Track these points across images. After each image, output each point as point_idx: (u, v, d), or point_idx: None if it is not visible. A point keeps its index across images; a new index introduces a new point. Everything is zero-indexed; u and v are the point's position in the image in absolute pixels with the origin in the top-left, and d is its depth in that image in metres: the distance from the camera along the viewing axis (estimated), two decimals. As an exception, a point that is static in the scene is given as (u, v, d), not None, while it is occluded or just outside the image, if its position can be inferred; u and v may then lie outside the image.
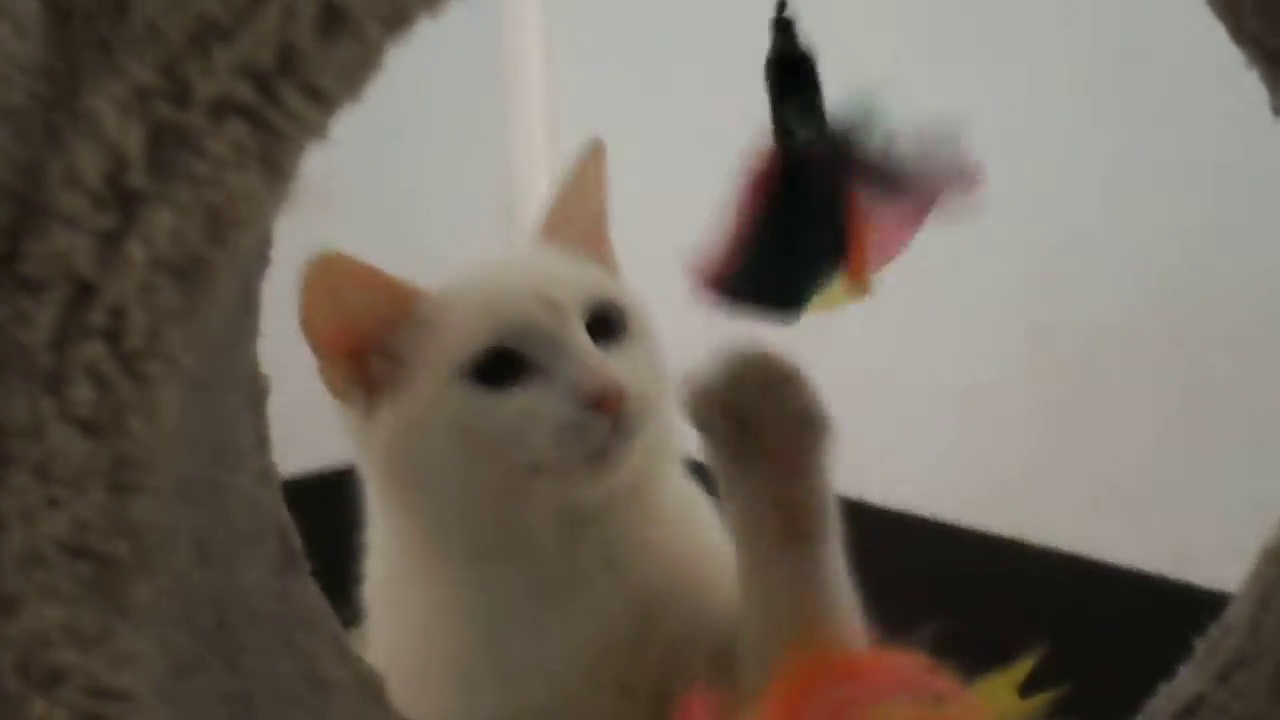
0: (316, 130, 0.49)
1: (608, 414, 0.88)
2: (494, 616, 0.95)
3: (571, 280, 0.94)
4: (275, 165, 0.48)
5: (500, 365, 0.90)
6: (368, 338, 0.92)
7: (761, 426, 0.85)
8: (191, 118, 0.47)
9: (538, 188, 2.02)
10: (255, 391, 0.73)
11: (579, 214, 1.02)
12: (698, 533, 1.01)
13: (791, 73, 0.83)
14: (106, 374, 0.47)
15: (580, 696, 0.89)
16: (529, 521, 0.93)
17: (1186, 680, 0.82)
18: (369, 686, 0.80)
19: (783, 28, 0.81)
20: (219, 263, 0.48)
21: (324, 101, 0.48)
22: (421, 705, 0.92)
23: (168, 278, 0.47)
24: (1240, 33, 0.75)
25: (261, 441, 0.75)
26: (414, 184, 1.91)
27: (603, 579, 0.96)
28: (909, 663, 0.80)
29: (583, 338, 0.91)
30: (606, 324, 0.93)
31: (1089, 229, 1.56)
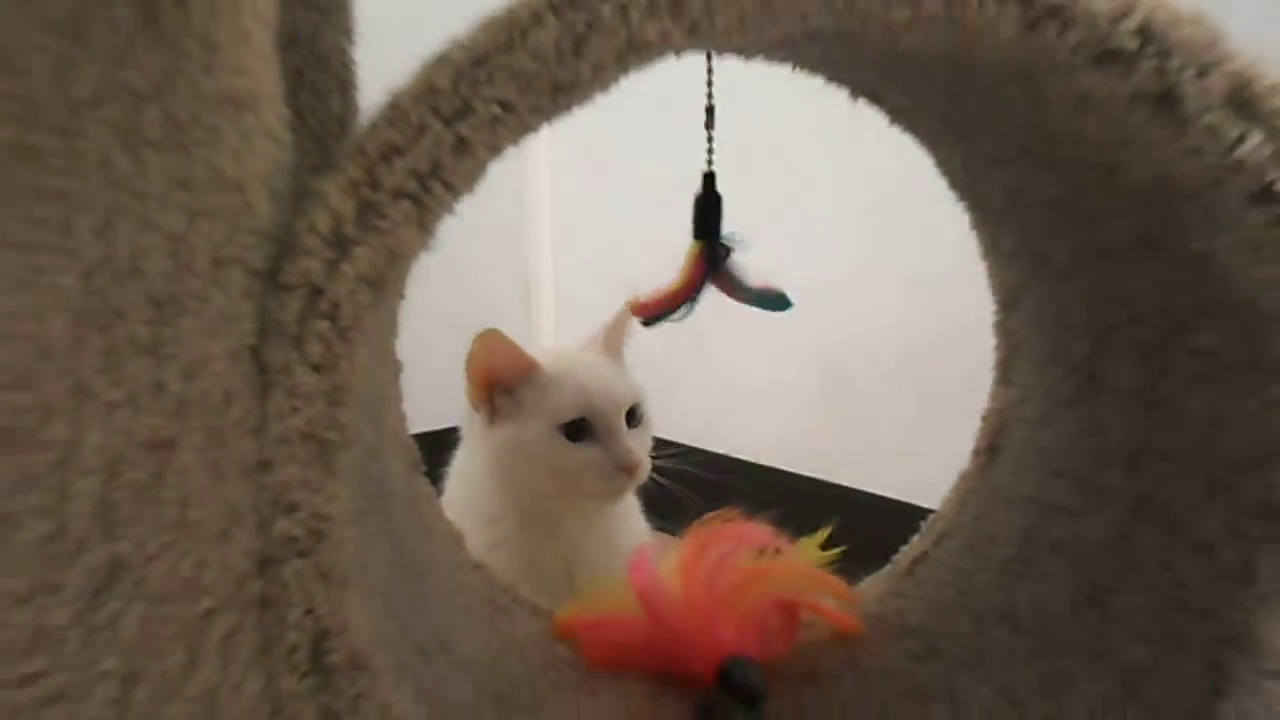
0: (449, 209, 0.50)
1: (630, 477, 0.99)
2: (520, 539, 1.03)
3: (625, 388, 1.03)
4: (426, 227, 0.49)
5: (578, 427, 0.98)
6: (498, 382, 1.01)
7: None
8: (380, 198, 0.48)
9: (544, 281, 2.01)
10: (396, 368, 0.74)
11: (616, 338, 1.10)
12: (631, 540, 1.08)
13: (709, 205, 0.85)
14: (328, 338, 0.48)
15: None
16: (562, 511, 1.03)
17: (915, 545, 0.83)
18: (455, 538, 0.81)
19: (708, 178, 0.85)
20: (392, 279, 0.49)
21: (454, 192, 0.49)
22: None
23: (364, 286, 0.48)
24: (954, 182, 0.76)
25: (399, 398, 0.75)
26: (460, 269, 1.89)
27: (579, 539, 1.05)
28: (761, 530, 0.81)
29: (624, 427, 1.01)
30: (632, 414, 1.02)
31: (860, 307, 1.57)
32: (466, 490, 1.06)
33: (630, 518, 1.11)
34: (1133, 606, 0.64)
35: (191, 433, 0.48)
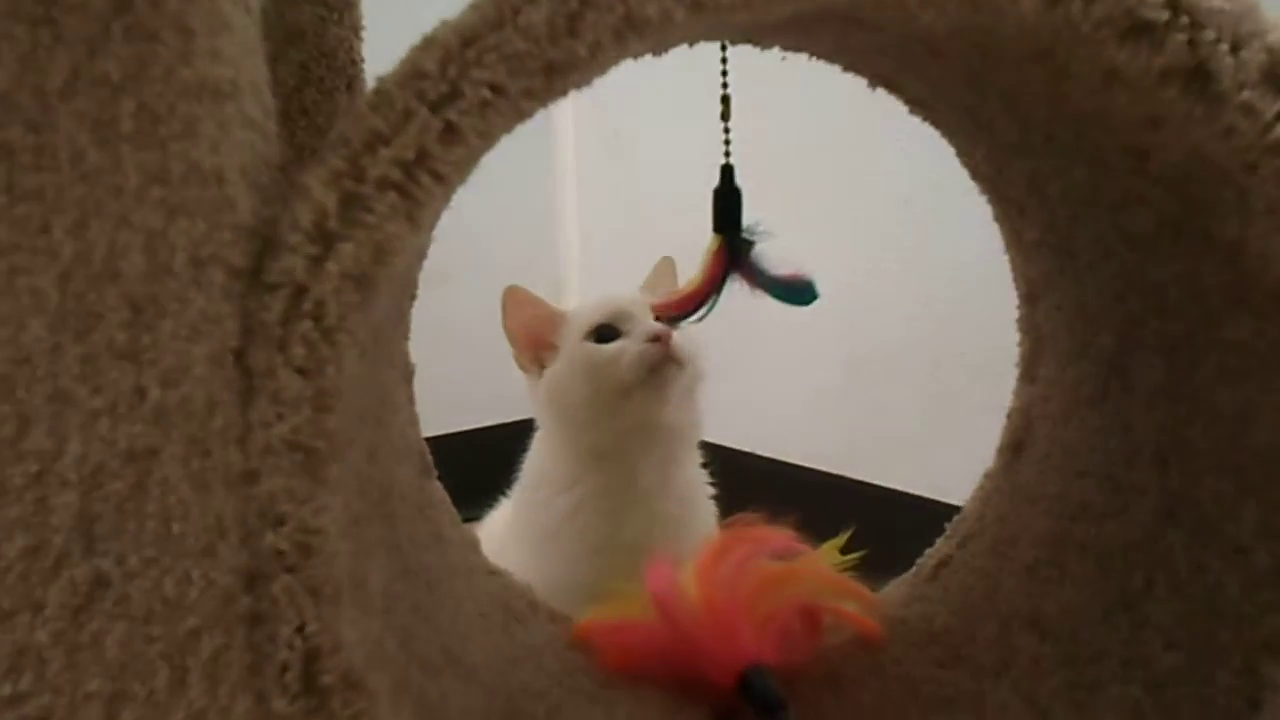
0: (442, 200, 0.47)
1: (663, 345, 0.97)
2: (598, 502, 1.01)
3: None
4: (415, 220, 0.45)
5: (605, 333, 0.99)
6: (537, 338, 1.03)
7: None
8: (365, 189, 0.45)
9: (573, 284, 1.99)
10: (406, 371, 0.72)
11: (658, 285, 1.10)
12: (699, 494, 1.09)
13: (728, 199, 0.82)
14: (313, 340, 0.45)
15: (616, 567, 0.88)
16: (621, 432, 1.01)
17: (939, 547, 0.80)
18: (470, 543, 0.79)
19: (725, 171, 0.81)
20: (381, 277, 0.46)
21: (444, 183, 0.46)
22: (542, 564, 1.01)
23: (350, 284, 0.45)
24: (976, 173, 0.74)
25: (410, 401, 0.73)
26: (495, 272, 1.88)
27: (655, 490, 1.03)
28: (782, 535, 0.79)
29: (650, 318, 1.00)
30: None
31: (881, 304, 1.55)
32: (540, 467, 1.08)
33: (699, 484, 1.10)
34: (1164, 612, 0.61)
35: (173, 442, 0.45)
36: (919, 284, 1.48)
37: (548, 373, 1.04)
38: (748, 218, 0.83)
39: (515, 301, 1.04)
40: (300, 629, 0.46)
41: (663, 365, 0.98)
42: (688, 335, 1.01)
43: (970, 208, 0.76)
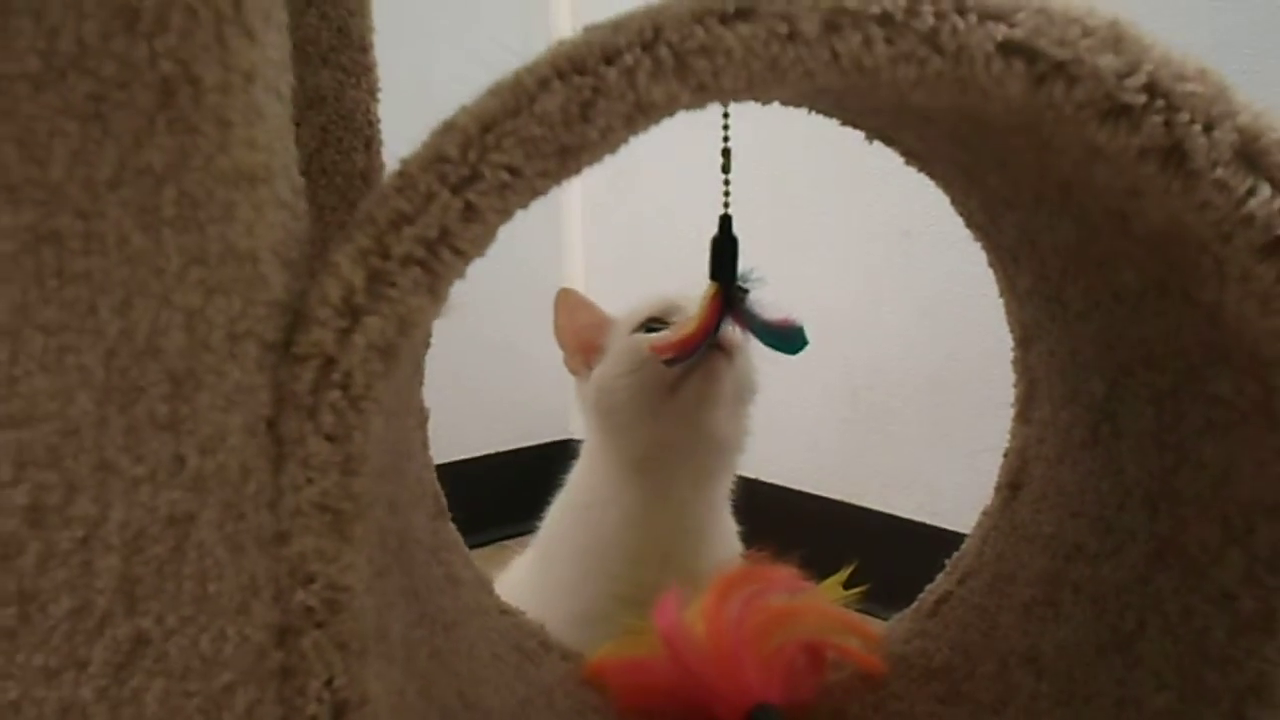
0: (460, 273, 0.49)
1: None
2: (638, 512, 0.98)
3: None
4: (436, 293, 0.47)
5: (654, 327, 0.95)
6: (588, 341, 1.00)
7: None
8: (390, 266, 0.47)
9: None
10: (421, 417, 0.73)
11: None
12: (726, 516, 1.06)
13: (725, 247, 0.84)
14: (341, 409, 0.47)
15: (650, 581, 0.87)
16: (666, 439, 0.97)
17: (940, 583, 0.81)
18: (483, 584, 0.80)
19: (724, 221, 0.83)
20: (404, 347, 0.47)
21: (464, 258, 0.47)
22: (583, 579, 0.99)
23: (376, 355, 0.47)
24: (970, 221, 0.75)
25: (425, 446, 0.74)
26: (509, 301, 1.87)
27: (687, 504, 1.00)
28: (787, 572, 0.79)
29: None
30: None
31: (883, 335, 1.55)
32: (585, 484, 1.06)
33: (727, 516, 1.07)
34: (1156, 653, 0.62)
35: (210, 507, 0.47)
36: (919, 312, 1.49)
37: (595, 371, 1.00)
38: (749, 252, 0.85)
39: (567, 305, 1.02)
40: (329, 682, 0.48)
41: (711, 355, 0.93)
42: (743, 349, 0.97)
43: (969, 240, 0.77)
